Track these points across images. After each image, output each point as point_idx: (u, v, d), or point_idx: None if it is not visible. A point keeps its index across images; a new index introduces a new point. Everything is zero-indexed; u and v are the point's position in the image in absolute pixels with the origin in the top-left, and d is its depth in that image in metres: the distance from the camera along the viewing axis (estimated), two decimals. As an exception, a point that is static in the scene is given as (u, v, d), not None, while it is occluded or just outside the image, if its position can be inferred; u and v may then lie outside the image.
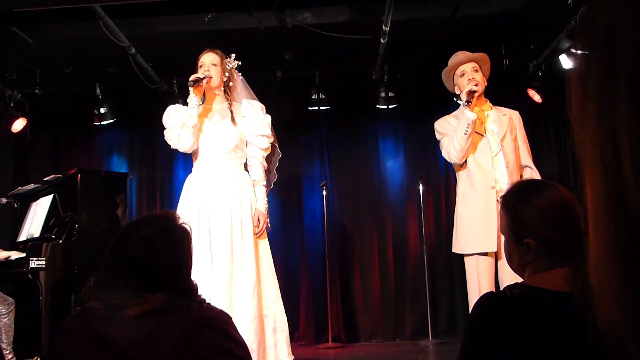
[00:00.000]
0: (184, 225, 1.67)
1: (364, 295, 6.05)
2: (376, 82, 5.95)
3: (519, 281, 1.61)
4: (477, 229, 3.55)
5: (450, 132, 3.71)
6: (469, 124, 3.54)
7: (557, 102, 5.97)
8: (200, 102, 3.62)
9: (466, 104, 3.56)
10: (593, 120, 0.42)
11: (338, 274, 6.02)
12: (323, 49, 5.56)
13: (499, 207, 1.70)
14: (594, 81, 0.42)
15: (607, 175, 0.42)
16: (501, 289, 3.37)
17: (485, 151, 3.63)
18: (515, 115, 3.81)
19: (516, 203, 1.60)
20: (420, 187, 5.77)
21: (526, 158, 3.74)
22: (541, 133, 6.14)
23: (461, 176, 3.73)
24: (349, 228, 6.20)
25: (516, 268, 1.64)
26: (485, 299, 1.53)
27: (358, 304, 6.04)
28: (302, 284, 6.04)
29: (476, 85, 3.60)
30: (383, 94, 5.90)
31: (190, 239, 1.66)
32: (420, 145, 6.16)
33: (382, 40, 4.99)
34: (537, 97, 5.84)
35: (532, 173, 3.71)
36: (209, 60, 3.68)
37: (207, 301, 1.64)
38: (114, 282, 1.54)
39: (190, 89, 3.56)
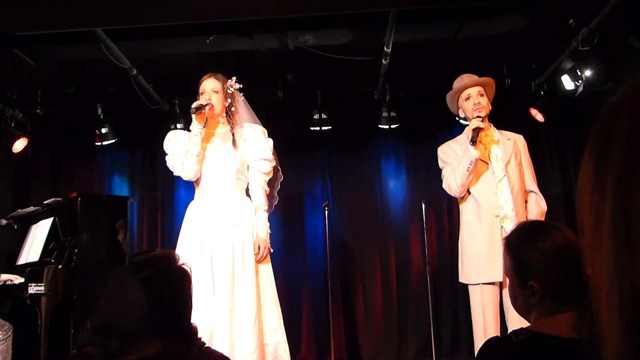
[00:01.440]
0: (183, 266, 1.64)
1: (367, 316, 6.01)
2: (378, 102, 5.95)
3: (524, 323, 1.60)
4: (482, 259, 3.52)
5: (453, 162, 3.69)
6: (471, 162, 3.51)
7: (559, 121, 5.99)
8: (203, 128, 3.60)
9: (471, 143, 3.52)
10: (608, 260, 0.40)
11: (340, 294, 5.98)
12: (324, 70, 5.57)
13: (502, 249, 1.68)
14: (607, 218, 0.40)
15: (625, 318, 0.40)
16: (506, 317, 3.37)
17: (489, 179, 3.61)
18: (519, 139, 3.79)
19: (520, 246, 1.60)
20: (423, 207, 5.72)
21: (531, 183, 3.73)
22: (544, 152, 6.11)
23: (465, 207, 3.71)
24: (351, 248, 6.17)
25: (521, 311, 1.62)
26: (491, 345, 1.50)
27: (360, 325, 5.99)
28: (304, 304, 5.99)
29: (482, 121, 3.58)
30: (385, 114, 5.89)
31: (190, 281, 1.64)
32: (422, 165, 6.13)
33: (384, 61, 5.00)
34: (539, 117, 5.81)
35: (536, 198, 3.69)
36: (209, 88, 3.66)
37: (206, 344, 1.61)
38: (111, 328, 1.51)
39: (193, 115, 3.55)
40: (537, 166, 6.03)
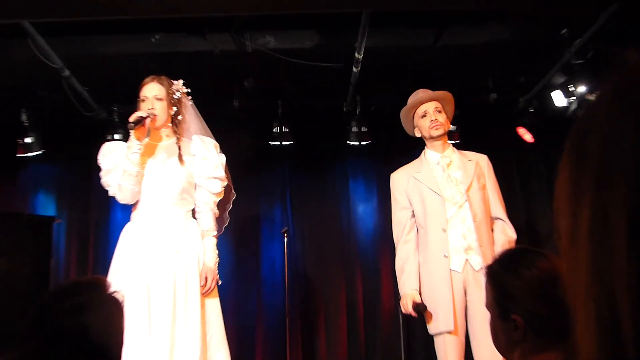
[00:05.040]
0: (115, 295, 1.62)
1: (330, 359, 5.97)
2: (347, 116, 5.99)
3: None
4: (435, 308, 3.62)
5: (398, 196, 3.88)
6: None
7: (549, 142, 6.05)
8: (143, 144, 3.54)
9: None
10: (585, 266, 0.41)
11: (300, 333, 5.94)
12: (287, 77, 5.58)
13: (485, 279, 1.71)
14: (585, 222, 0.41)
15: (601, 328, 0.40)
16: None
17: (437, 210, 3.68)
18: (482, 160, 3.88)
19: (502, 273, 1.64)
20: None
21: (497, 209, 3.79)
22: (532, 176, 6.22)
23: (420, 243, 3.82)
24: (313, 281, 6.15)
25: (503, 349, 1.64)
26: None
27: (323, 369, 5.94)
28: (258, 345, 5.93)
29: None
30: (355, 129, 5.92)
31: (122, 312, 1.61)
32: None
33: (354, 69, 5.03)
34: (527, 137, 5.92)
35: (504, 226, 3.75)
36: (152, 94, 3.61)
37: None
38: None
39: (131, 131, 3.48)
40: (526, 192, 6.20)
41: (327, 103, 6.03)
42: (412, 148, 5.92)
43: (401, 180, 3.93)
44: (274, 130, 5.96)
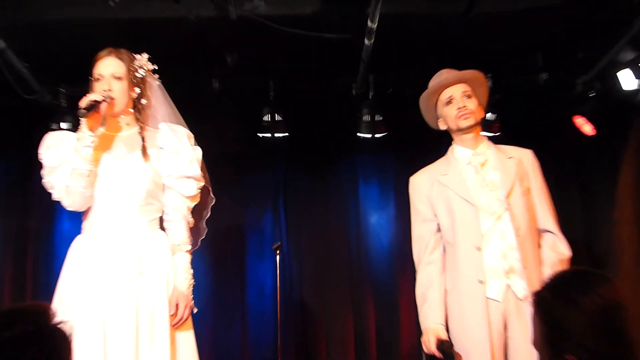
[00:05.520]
0: (61, 326, 1.63)
1: (333, 410, 5.99)
2: (357, 100, 5.97)
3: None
4: (466, 346, 3.60)
5: (419, 206, 3.86)
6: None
7: (614, 134, 5.98)
8: (96, 136, 3.50)
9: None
10: None
11: (296, 376, 5.95)
12: (281, 51, 5.53)
13: (531, 309, 1.73)
14: None
15: None
16: None
17: (470, 222, 3.66)
18: (527, 156, 3.82)
19: (553, 302, 1.65)
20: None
21: (546, 219, 3.73)
22: (592, 177, 6.21)
23: (446, 264, 3.80)
24: (312, 309, 6.18)
25: None
26: None
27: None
28: (242, 391, 5.94)
29: (467, 130, 3.72)
30: (367, 117, 5.91)
31: (70, 348, 1.64)
32: None
33: (366, 42, 4.99)
34: (587, 128, 5.91)
35: (554, 241, 3.69)
36: (109, 72, 3.57)
37: None
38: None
39: (82, 118, 3.44)
40: (584, 198, 6.14)
41: (332, 85, 5.99)
42: (441, 142, 5.98)
43: (423, 184, 3.89)
44: (264, 118, 5.94)
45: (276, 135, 5.98)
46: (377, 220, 6.30)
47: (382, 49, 5.17)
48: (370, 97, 5.92)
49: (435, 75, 3.90)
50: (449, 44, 5.38)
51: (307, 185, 6.33)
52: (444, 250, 3.80)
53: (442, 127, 3.88)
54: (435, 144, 5.72)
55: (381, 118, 5.93)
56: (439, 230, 3.80)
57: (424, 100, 3.91)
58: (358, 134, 5.99)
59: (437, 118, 3.90)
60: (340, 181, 6.36)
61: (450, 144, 3.96)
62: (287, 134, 6.00)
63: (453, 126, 3.79)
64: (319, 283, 6.21)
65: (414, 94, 5.75)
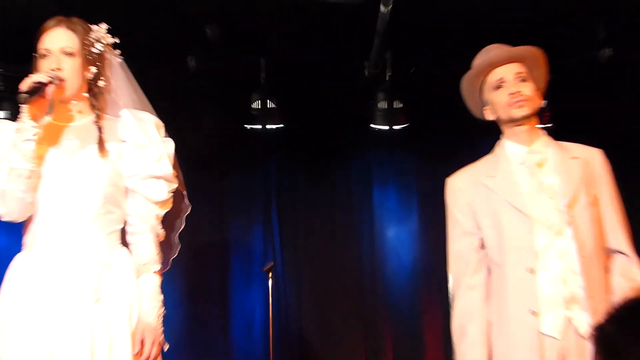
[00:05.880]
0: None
1: None
2: (370, 83, 5.94)
3: None
4: None
5: (457, 214, 3.74)
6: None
7: None
8: (41, 127, 3.35)
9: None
10: None
11: None
12: (274, 22, 5.52)
13: (593, 346, 1.75)
14: None
15: None
16: None
17: (522, 238, 3.55)
18: (595, 157, 3.70)
19: (620, 339, 1.66)
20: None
21: (617, 237, 3.61)
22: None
23: (490, 289, 3.68)
24: (314, 350, 6.16)
25: None
26: None
27: None
28: None
29: (519, 119, 3.57)
30: (382, 104, 5.88)
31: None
32: None
33: (382, 9, 5.00)
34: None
35: (627, 265, 3.58)
36: (57, 47, 3.43)
37: None
38: None
39: (23, 105, 3.29)
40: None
41: (339, 63, 5.97)
42: (479, 137, 5.88)
43: (464, 189, 3.76)
44: (254, 105, 5.92)
45: (268, 127, 5.99)
46: (395, 234, 6.28)
47: (402, 20, 5.17)
48: (387, 78, 5.91)
49: (482, 51, 3.77)
50: (486, 11, 5.38)
51: (306, 191, 6.32)
52: (489, 272, 3.68)
53: (489, 117, 3.75)
54: (473, 139, 5.69)
55: (401, 105, 5.92)
56: (482, 246, 3.69)
57: (466, 83, 3.79)
58: (372, 126, 5.99)
59: (483, 105, 3.75)
60: (349, 185, 6.35)
61: (497, 138, 3.83)
62: (281, 125, 6.02)
63: (503, 116, 3.65)
64: (323, 314, 6.19)
65: (444, 76, 5.82)
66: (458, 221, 3.72)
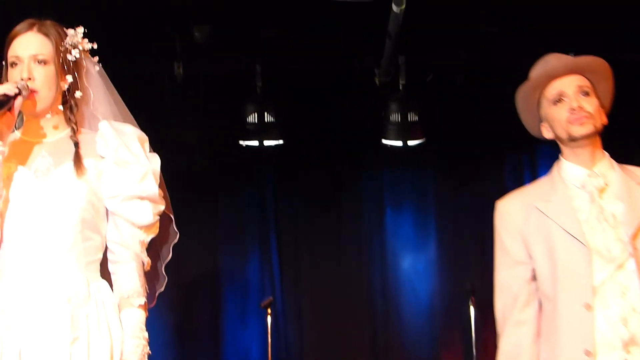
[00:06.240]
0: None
1: None
2: (381, 91, 5.76)
3: None
4: None
5: (507, 240, 3.47)
6: None
7: None
8: (8, 145, 3.16)
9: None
10: None
11: None
12: (273, 22, 5.36)
13: None
14: None
15: None
16: None
17: (578, 270, 3.33)
18: None
19: None
20: (472, 312, 5.53)
21: None
22: None
23: (541, 325, 3.46)
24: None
25: None
26: None
27: None
28: None
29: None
30: (395, 117, 5.73)
31: None
32: (473, 225, 5.95)
33: (395, 8, 4.97)
34: None
35: None
36: (29, 54, 3.25)
37: None
38: None
39: None
40: None
41: (346, 71, 5.81)
42: (505, 153, 5.72)
43: (515, 214, 3.52)
44: (249, 119, 5.75)
45: (265, 143, 5.85)
46: (411, 264, 6.16)
47: (417, 19, 5.10)
48: (400, 87, 5.74)
49: (540, 61, 3.57)
50: (518, 10, 5.18)
51: (309, 216, 6.20)
52: (540, 306, 3.40)
53: (547, 135, 3.55)
54: (498, 156, 5.38)
55: (416, 118, 5.77)
56: (534, 278, 3.43)
57: (522, 96, 3.61)
58: (383, 141, 5.86)
59: (540, 123, 3.52)
60: (358, 209, 6.22)
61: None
62: (280, 141, 5.89)
63: (562, 134, 3.44)
64: (327, 355, 6.02)
65: (464, 83, 5.64)
66: (507, 249, 3.45)
